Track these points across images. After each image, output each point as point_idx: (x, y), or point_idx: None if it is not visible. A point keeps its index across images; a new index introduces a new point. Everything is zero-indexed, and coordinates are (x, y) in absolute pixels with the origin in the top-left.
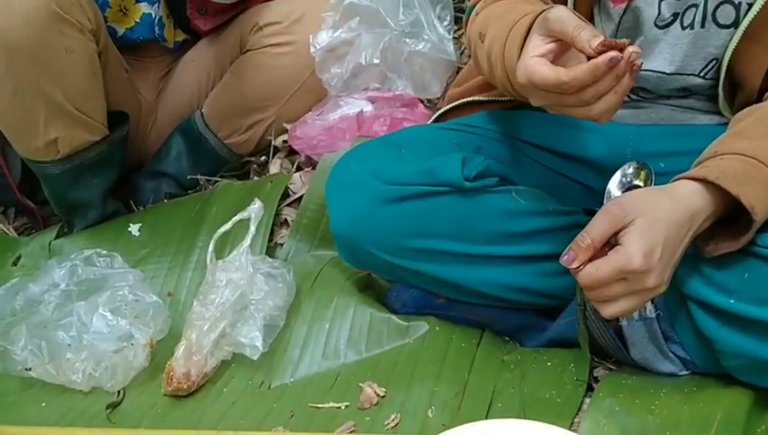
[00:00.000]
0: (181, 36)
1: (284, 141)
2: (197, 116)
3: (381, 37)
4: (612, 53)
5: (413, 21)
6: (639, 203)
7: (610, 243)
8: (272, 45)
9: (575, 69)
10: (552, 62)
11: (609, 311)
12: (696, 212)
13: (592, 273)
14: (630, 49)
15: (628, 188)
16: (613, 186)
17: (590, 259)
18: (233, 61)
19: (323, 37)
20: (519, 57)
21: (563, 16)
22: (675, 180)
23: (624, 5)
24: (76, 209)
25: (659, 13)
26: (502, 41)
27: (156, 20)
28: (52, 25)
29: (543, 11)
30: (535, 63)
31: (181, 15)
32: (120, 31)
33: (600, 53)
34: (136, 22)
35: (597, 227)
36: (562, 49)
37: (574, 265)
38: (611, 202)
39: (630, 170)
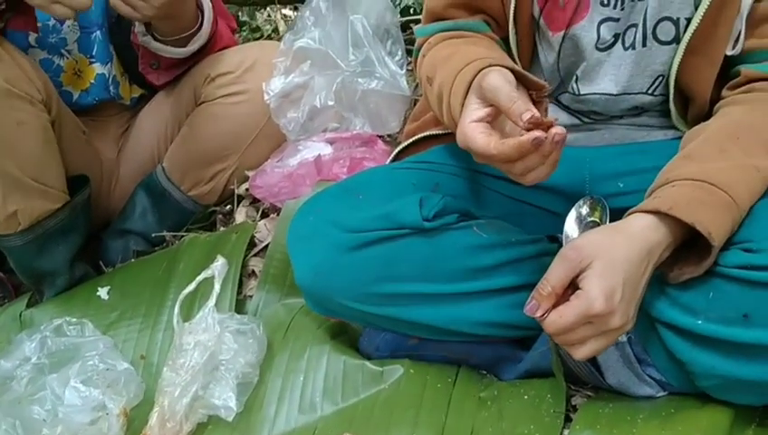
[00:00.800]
0: (137, 92)
1: (247, 189)
2: (159, 171)
3: (334, 79)
4: (536, 133)
5: (364, 60)
6: (595, 245)
7: (573, 285)
8: (225, 96)
9: (503, 144)
10: (492, 121)
11: (579, 353)
12: (654, 246)
13: (557, 321)
14: (554, 130)
15: (584, 226)
16: (570, 226)
17: (554, 305)
18: (189, 113)
19: (276, 83)
20: (460, 114)
21: (495, 86)
22: (629, 214)
23: (561, 33)
24: (43, 278)
25: (599, 36)
26: (448, 89)
27: (110, 79)
28: (1, 101)
29: (482, 69)
30: (472, 130)
31: (135, 71)
32: (76, 94)
33: (528, 130)
34: (91, 83)
35: (555, 274)
36: (499, 111)
37: (538, 314)
38: (567, 246)
39: (585, 208)
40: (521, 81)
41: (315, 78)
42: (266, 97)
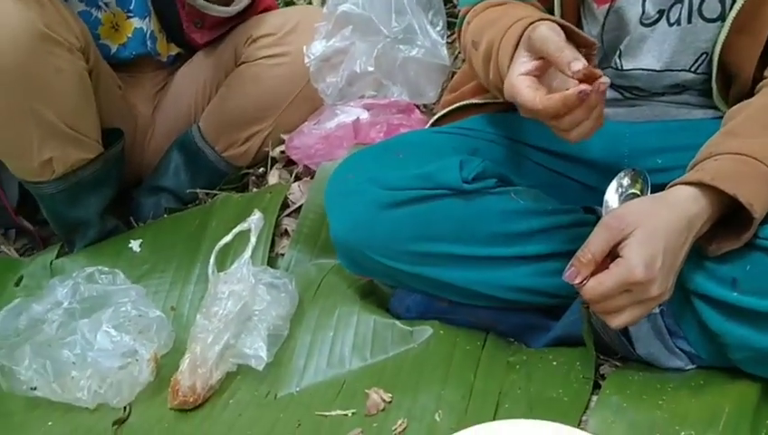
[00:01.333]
0: (175, 50)
1: (282, 152)
2: (194, 130)
3: (375, 45)
4: (582, 87)
5: (406, 27)
6: (637, 214)
7: (612, 254)
8: (266, 57)
9: (549, 98)
10: (540, 76)
11: (615, 322)
12: (694, 217)
13: (596, 287)
14: (600, 81)
15: (625, 197)
16: (610, 196)
17: (593, 273)
18: (228, 74)
19: (317, 47)
20: (509, 68)
21: (545, 36)
22: (671, 186)
23: (607, 6)
24: (75, 228)
25: (644, 11)
26: (496, 47)
27: (148, 34)
28: (40, 46)
29: (531, 23)
30: (520, 83)
31: (174, 29)
32: (113, 47)
33: (577, 80)
34: (128, 37)
35: (596, 242)
36: (548, 64)
37: (577, 281)
38: (609, 215)
39: (626, 180)
40: (570, 37)
41: (356, 43)
42: (306, 60)
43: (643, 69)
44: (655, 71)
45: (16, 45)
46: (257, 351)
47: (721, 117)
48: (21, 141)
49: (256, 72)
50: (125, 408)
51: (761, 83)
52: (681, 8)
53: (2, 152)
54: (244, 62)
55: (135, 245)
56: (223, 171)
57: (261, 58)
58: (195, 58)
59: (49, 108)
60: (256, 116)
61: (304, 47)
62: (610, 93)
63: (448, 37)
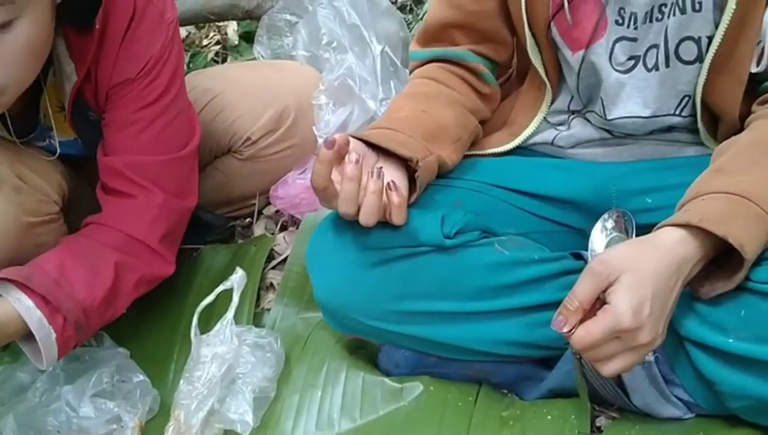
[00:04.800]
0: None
1: (268, 202)
2: None
3: (370, 112)
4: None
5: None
6: (623, 259)
7: (601, 300)
8: (273, 154)
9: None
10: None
11: (607, 370)
12: (683, 260)
13: (584, 336)
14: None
15: (610, 239)
16: (595, 239)
17: (581, 320)
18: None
19: (324, 125)
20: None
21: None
22: (658, 228)
23: (581, 53)
24: None
25: (612, 56)
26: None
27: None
28: (24, 237)
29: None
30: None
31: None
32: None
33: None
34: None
35: (583, 289)
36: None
37: (565, 330)
38: (595, 260)
39: (610, 222)
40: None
41: (354, 112)
42: (320, 140)
43: (628, 117)
44: (642, 117)
45: (1, 245)
46: (243, 415)
47: (711, 154)
48: None
49: (264, 167)
50: None
51: (749, 117)
52: (657, 53)
53: None
54: (245, 159)
55: None
56: (215, 225)
57: (266, 156)
58: None
59: None
60: (263, 193)
61: (314, 128)
62: (598, 133)
63: None
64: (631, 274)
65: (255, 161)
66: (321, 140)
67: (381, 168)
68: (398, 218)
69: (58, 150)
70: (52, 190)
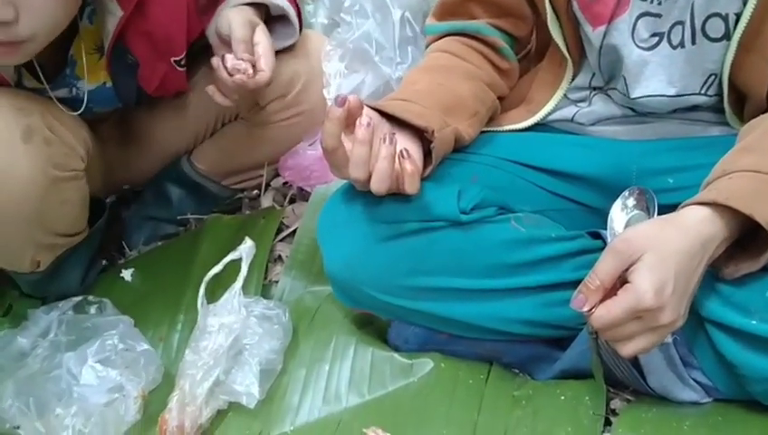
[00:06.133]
0: None
1: (276, 174)
2: (186, 167)
3: (383, 78)
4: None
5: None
6: (646, 237)
7: (621, 280)
8: (281, 120)
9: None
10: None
11: (626, 350)
12: (708, 240)
13: (604, 315)
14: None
15: (630, 217)
16: (615, 217)
17: (601, 300)
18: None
19: (334, 89)
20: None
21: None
22: (683, 207)
23: (603, 29)
24: (56, 293)
25: (635, 32)
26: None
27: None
28: (49, 189)
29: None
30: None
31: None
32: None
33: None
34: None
35: (605, 267)
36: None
37: (585, 309)
38: (617, 239)
39: (631, 200)
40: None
41: (366, 79)
42: (329, 103)
43: (654, 95)
44: (667, 96)
45: (27, 195)
46: (249, 387)
47: (737, 133)
48: (15, 258)
49: (273, 134)
50: None
51: None
52: (683, 29)
53: None
54: (253, 125)
55: (127, 274)
56: (225, 196)
57: (275, 122)
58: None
59: (49, 233)
60: (271, 162)
61: (324, 91)
62: (620, 110)
63: None
64: (654, 253)
65: (264, 128)
66: (329, 103)
67: (394, 133)
68: (410, 187)
69: (85, 97)
70: (78, 145)
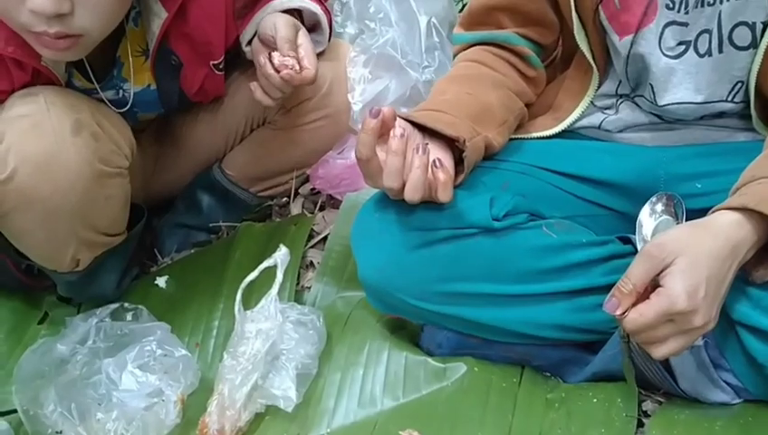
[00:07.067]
0: None
1: (306, 181)
2: (218, 174)
3: (407, 84)
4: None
5: (437, 67)
6: (678, 242)
7: (653, 284)
8: (307, 123)
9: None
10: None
11: (659, 352)
12: (739, 244)
13: (637, 319)
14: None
15: (659, 222)
16: (644, 222)
17: (634, 304)
18: (252, 127)
19: (358, 94)
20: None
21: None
22: (713, 212)
23: (630, 38)
24: (92, 297)
25: (662, 41)
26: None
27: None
28: (95, 184)
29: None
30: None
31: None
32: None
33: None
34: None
35: (637, 271)
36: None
37: (618, 312)
38: (651, 244)
39: (659, 205)
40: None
41: (390, 85)
42: (354, 108)
43: (680, 102)
44: (695, 103)
45: (73, 189)
46: (286, 391)
47: (763, 139)
48: (57, 253)
49: (299, 138)
50: None
51: None
52: (710, 38)
53: (33, 255)
54: (279, 129)
55: (161, 281)
56: (254, 204)
57: (300, 125)
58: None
59: (91, 229)
60: (298, 167)
61: (348, 96)
62: (647, 117)
63: None
64: (687, 257)
65: (290, 131)
66: (355, 107)
67: (427, 144)
68: (443, 195)
69: (131, 98)
70: (124, 144)
